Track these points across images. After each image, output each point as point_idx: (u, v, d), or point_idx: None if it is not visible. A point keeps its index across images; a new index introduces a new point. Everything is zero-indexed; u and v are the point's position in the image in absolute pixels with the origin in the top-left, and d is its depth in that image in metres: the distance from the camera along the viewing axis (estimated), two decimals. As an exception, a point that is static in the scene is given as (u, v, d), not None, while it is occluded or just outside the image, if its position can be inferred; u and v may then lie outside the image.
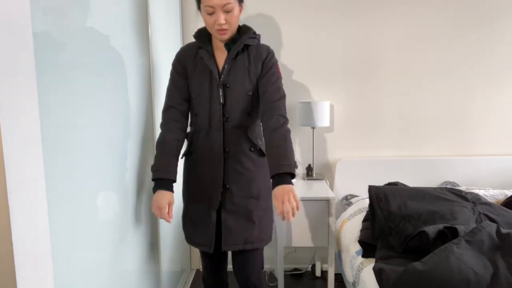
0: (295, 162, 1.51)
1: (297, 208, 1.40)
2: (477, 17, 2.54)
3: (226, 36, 1.57)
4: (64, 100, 1.10)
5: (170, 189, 1.58)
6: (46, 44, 1.01)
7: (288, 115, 2.66)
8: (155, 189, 1.58)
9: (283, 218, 1.40)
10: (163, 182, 1.57)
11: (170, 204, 1.56)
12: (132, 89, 1.64)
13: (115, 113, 1.46)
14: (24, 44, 0.92)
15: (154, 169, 1.59)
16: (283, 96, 1.63)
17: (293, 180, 2.41)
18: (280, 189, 1.43)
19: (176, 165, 1.61)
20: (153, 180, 1.59)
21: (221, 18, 1.51)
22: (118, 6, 1.51)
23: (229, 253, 1.80)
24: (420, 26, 2.55)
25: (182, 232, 1.78)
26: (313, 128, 2.50)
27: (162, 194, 1.56)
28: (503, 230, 1.54)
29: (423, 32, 2.55)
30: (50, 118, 1.02)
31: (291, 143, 1.55)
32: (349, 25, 2.56)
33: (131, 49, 1.64)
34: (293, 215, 1.39)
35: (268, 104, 1.60)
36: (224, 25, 1.53)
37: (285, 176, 1.46)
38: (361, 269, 1.77)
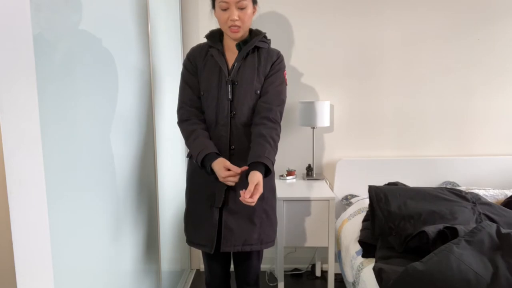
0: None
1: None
2: (477, 18, 2.54)
3: (239, 35, 1.60)
4: (64, 100, 1.10)
5: (219, 157, 1.57)
6: (46, 44, 1.01)
7: (288, 115, 2.68)
8: (208, 166, 1.57)
9: (244, 198, 1.45)
10: (209, 156, 1.57)
11: (226, 166, 1.53)
12: (132, 89, 1.64)
13: (115, 113, 1.46)
14: (24, 45, 0.92)
15: (195, 153, 1.58)
16: (282, 102, 1.67)
17: (293, 180, 2.41)
18: (261, 180, 1.50)
19: (212, 143, 1.61)
20: (201, 162, 1.57)
21: (235, 14, 1.55)
22: (118, 7, 1.52)
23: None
24: (420, 26, 2.55)
25: (182, 232, 1.78)
26: (313, 128, 2.50)
27: (217, 163, 1.55)
28: (503, 230, 1.54)
29: (423, 32, 2.55)
30: (50, 118, 1.02)
31: (277, 146, 1.63)
32: (349, 25, 2.56)
33: (131, 49, 1.64)
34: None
35: (267, 105, 1.62)
36: (237, 22, 1.56)
37: (262, 167, 1.53)
38: (361, 269, 1.77)
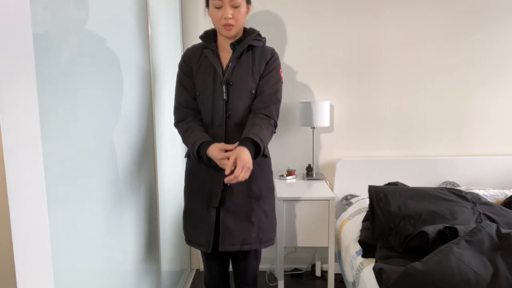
0: (264, 149, 1.57)
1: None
2: (476, 18, 2.54)
3: (232, 33, 1.60)
4: (64, 100, 1.10)
5: (213, 143, 1.57)
6: (46, 44, 1.01)
7: (288, 115, 2.67)
8: (204, 153, 1.56)
9: (228, 177, 1.45)
10: (204, 144, 1.57)
11: (223, 148, 1.53)
12: (132, 89, 1.64)
13: (115, 113, 1.46)
14: (24, 45, 0.92)
15: (191, 145, 1.59)
16: (278, 101, 1.66)
17: (293, 180, 2.42)
18: (246, 155, 1.47)
19: (207, 135, 1.61)
20: (197, 151, 1.57)
21: (229, 12, 1.55)
22: (118, 6, 1.51)
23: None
24: (420, 26, 2.55)
25: (182, 232, 1.78)
26: (313, 128, 2.50)
27: (212, 148, 1.54)
28: (503, 230, 1.54)
29: (423, 32, 2.55)
30: (50, 118, 1.02)
31: (269, 134, 1.59)
32: (348, 25, 2.56)
33: (131, 49, 1.64)
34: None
35: (262, 104, 1.62)
36: (231, 20, 1.56)
37: (251, 146, 1.51)
38: (361, 269, 1.77)
